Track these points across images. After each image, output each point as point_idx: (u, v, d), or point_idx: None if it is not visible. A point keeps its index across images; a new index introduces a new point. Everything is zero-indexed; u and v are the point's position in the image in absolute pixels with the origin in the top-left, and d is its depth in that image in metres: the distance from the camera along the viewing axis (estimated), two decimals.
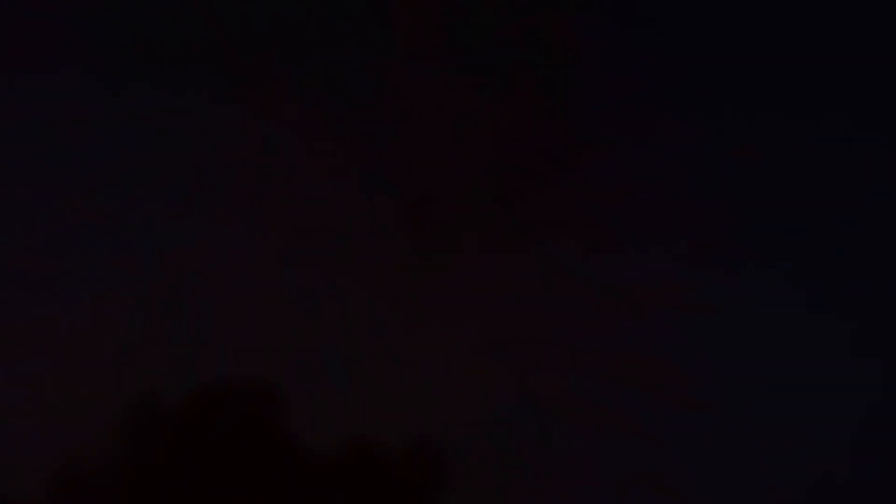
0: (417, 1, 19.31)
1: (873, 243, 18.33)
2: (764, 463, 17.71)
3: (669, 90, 18.86)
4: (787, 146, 18.66)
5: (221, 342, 17.23)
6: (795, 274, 18.39)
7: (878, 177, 18.50)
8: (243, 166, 18.82)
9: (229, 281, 18.03)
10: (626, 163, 19.11)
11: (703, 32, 18.85)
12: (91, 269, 18.13)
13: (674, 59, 18.88)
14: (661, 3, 18.92)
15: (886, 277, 18.28)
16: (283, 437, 16.22)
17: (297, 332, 17.62)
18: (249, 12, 19.21)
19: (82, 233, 18.29)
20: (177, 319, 17.63)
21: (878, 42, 18.63)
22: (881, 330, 17.99)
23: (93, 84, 18.54)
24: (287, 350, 17.52)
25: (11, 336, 17.48)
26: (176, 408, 16.21)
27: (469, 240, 19.03)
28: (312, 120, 19.19)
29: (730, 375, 17.91)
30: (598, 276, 18.81)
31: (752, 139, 18.71)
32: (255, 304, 17.93)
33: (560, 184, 19.20)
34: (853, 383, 17.81)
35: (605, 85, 19.23)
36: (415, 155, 19.24)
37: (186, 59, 19.00)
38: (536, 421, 17.94)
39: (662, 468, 17.73)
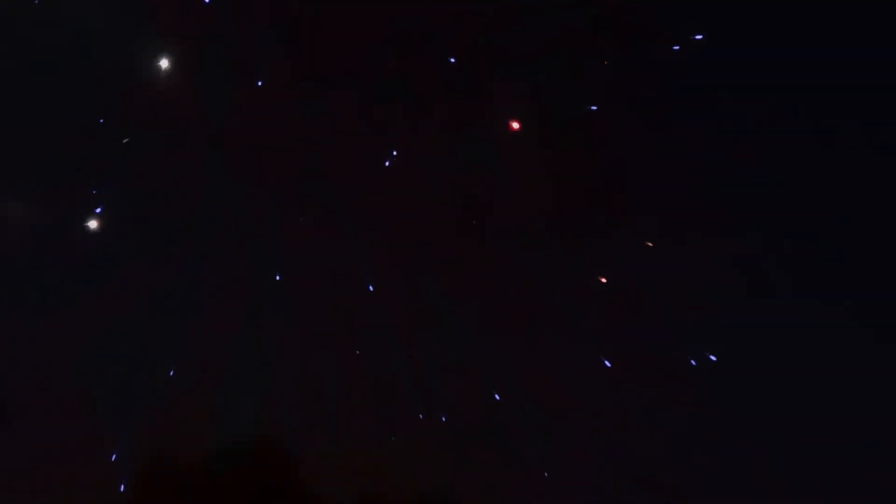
0: None
1: (875, 244, 18.34)
2: (763, 462, 17.90)
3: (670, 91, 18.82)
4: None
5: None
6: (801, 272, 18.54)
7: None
8: None
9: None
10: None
11: None
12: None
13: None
14: None
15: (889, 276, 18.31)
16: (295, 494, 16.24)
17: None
18: None
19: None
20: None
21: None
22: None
23: None
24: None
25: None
26: (190, 465, 16.34)
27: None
28: None
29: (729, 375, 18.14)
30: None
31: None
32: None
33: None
34: (855, 382, 17.95)
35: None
36: None
37: None
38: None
39: (661, 467, 17.95)
